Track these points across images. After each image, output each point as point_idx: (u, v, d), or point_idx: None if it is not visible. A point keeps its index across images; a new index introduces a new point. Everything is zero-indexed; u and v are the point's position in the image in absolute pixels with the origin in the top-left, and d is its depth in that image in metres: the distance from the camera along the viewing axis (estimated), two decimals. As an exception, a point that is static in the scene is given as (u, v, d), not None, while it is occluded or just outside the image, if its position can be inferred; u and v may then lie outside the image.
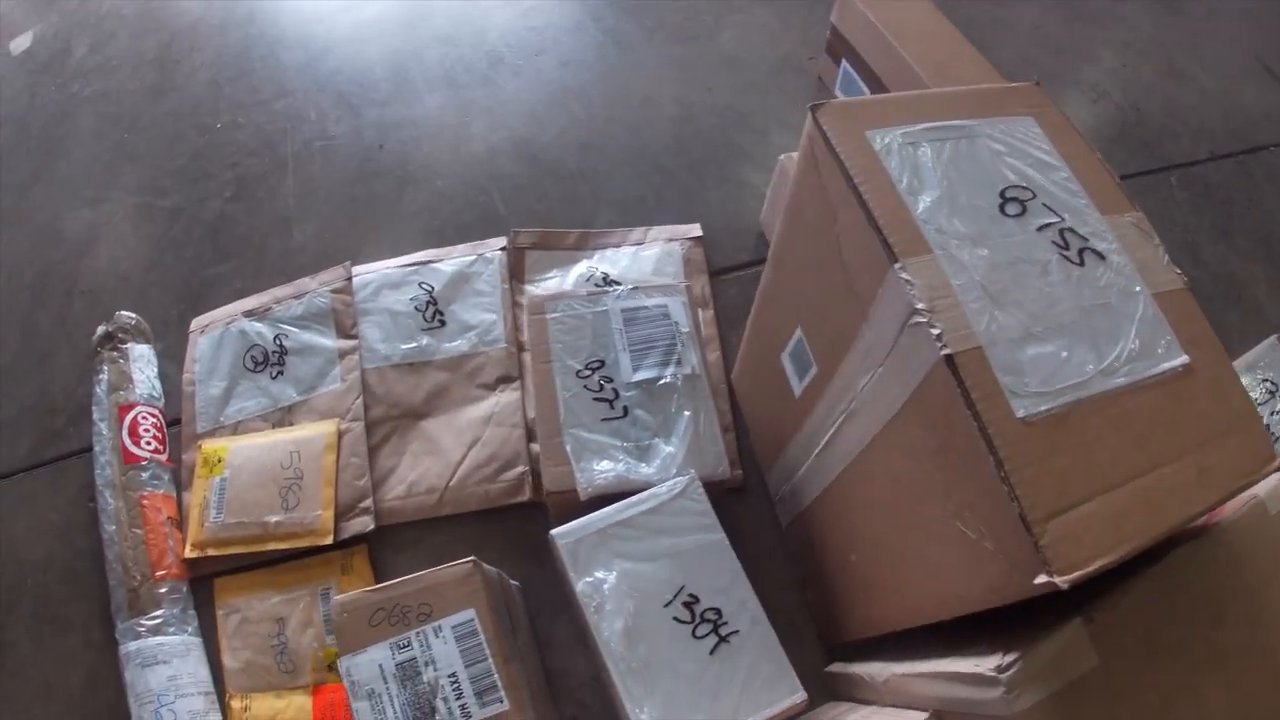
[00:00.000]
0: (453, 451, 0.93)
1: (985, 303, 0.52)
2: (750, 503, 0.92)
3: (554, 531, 0.71)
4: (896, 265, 0.53)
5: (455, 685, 0.69)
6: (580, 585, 0.69)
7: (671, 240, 1.05)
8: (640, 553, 0.70)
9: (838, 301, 0.63)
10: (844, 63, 1.14)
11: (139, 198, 1.22)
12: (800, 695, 0.67)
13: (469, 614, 0.71)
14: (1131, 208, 0.60)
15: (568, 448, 0.77)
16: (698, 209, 1.10)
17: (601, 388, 0.79)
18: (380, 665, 0.70)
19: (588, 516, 0.72)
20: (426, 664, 0.70)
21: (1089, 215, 0.58)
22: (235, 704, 0.91)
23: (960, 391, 0.49)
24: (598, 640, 0.68)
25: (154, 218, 1.20)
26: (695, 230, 1.07)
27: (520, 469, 0.91)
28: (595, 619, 0.69)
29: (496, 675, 0.69)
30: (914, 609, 0.65)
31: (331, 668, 0.89)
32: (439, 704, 0.69)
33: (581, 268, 1.04)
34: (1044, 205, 0.58)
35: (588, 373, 0.80)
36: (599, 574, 0.70)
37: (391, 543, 0.93)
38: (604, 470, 0.76)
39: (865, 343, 0.60)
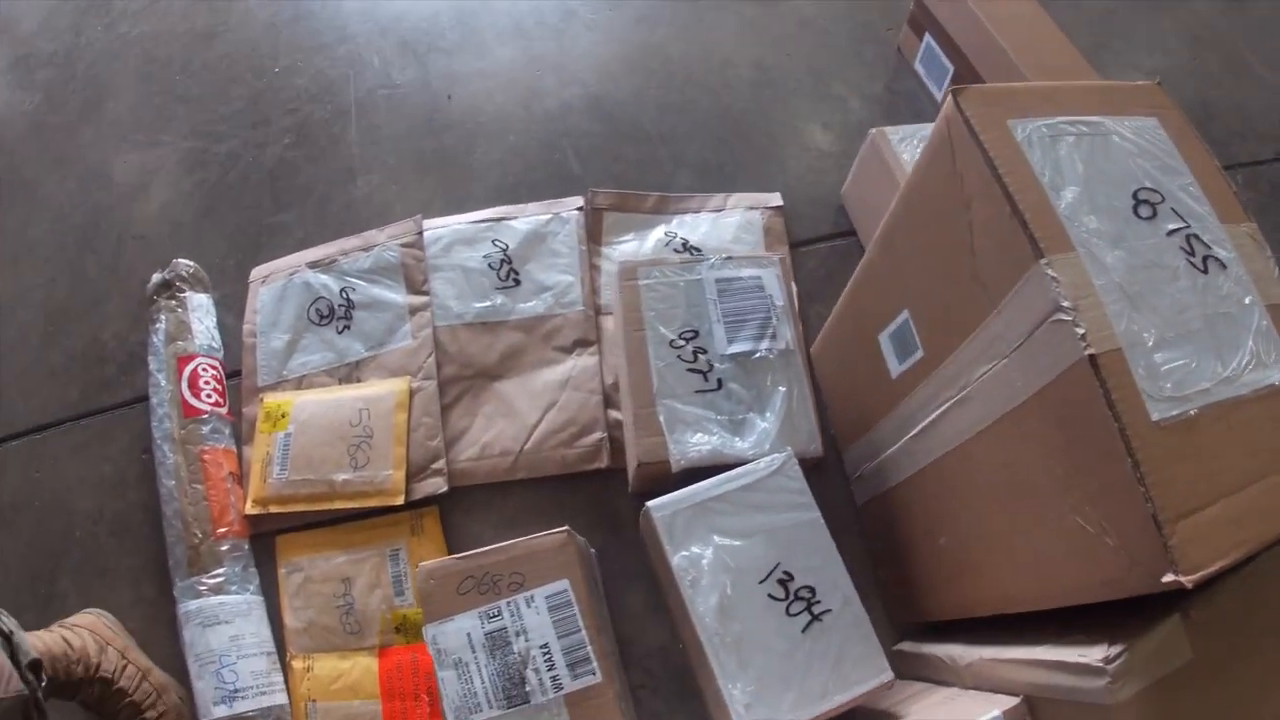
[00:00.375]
0: (528, 415, 0.95)
1: (1124, 305, 0.55)
2: (824, 478, 0.95)
3: (650, 504, 0.74)
4: (1042, 261, 0.55)
5: (547, 656, 0.72)
6: (676, 559, 0.72)
7: (752, 208, 1.06)
8: (736, 529, 0.73)
9: (959, 289, 0.65)
10: (927, 36, 1.15)
11: (192, 142, 1.22)
12: (888, 676, 0.71)
13: (563, 584, 0.73)
14: (1246, 218, 0.63)
15: (661, 418, 0.79)
16: (776, 177, 1.11)
17: (695, 358, 0.82)
18: (468, 634, 0.73)
19: (683, 490, 0.74)
20: (517, 634, 0.73)
21: (1210, 223, 0.61)
22: (297, 664, 0.93)
23: (1102, 392, 0.52)
24: (692, 615, 0.71)
25: (208, 163, 1.20)
26: (776, 199, 1.08)
27: (598, 435, 0.94)
28: (690, 594, 0.71)
29: (590, 647, 0.72)
30: (1009, 597, 0.68)
31: (399, 630, 0.92)
32: (529, 674, 0.72)
33: (659, 232, 1.05)
34: (1172, 209, 0.61)
35: (681, 343, 0.82)
36: (695, 549, 0.72)
37: (462, 504, 0.95)
38: (698, 443, 0.78)
39: (990, 333, 0.62)
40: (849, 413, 0.90)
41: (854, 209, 1.06)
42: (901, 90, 1.19)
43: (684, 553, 0.72)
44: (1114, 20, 1.36)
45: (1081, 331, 0.53)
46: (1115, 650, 0.53)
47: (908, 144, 0.95)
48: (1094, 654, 0.54)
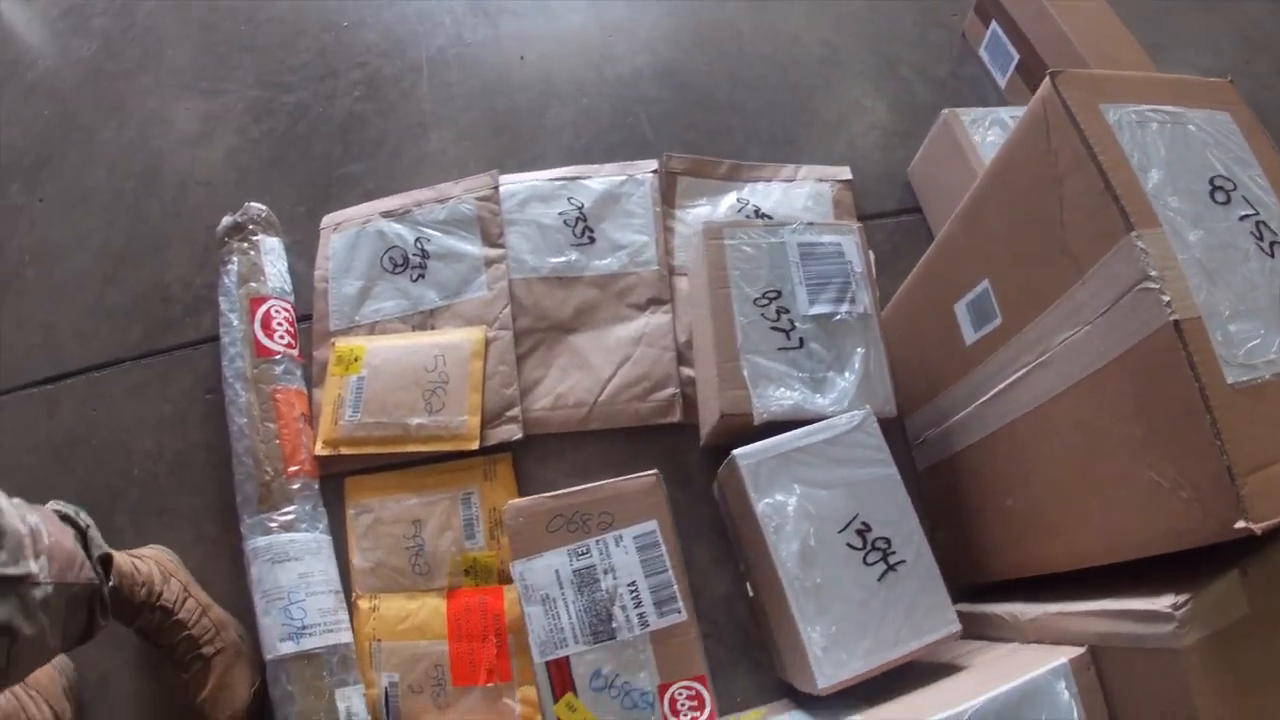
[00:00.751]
0: (603, 368, 1.02)
1: (1203, 279, 0.63)
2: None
3: (736, 452, 0.81)
4: (1133, 234, 0.63)
5: (634, 594, 0.79)
6: (761, 506, 0.79)
7: (822, 181, 1.14)
8: (817, 479, 0.80)
9: (1044, 260, 0.73)
10: (993, 24, 1.23)
11: (258, 92, 1.28)
12: (956, 626, 0.78)
13: (651, 525, 0.81)
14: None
15: (745, 372, 0.86)
16: (844, 153, 1.19)
17: (778, 317, 0.89)
18: (557, 571, 0.81)
19: (768, 440, 0.81)
20: (605, 572, 0.80)
21: (1276, 212, 0.69)
22: (363, 604, 0.99)
23: (1184, 354, 0.60)
24: (774, 560, 0.78)
25: (275, 113, 1.26)
26: (845, 173, 1.16)
27: (671, 390, 1.01)
28: (774, 539, 0.78)
29: (676, 586, 0.79)
30: (1078, 553, 0.76)
31: (469, 572, 0.98)
32: (616, 611, 0.79)
33: (731, 199, 1.13)
34: (1243, 198, 0.69)
35: (765, 301, 0.90)
36: (779, 496, 0.80)
37: (534, 453, 1.02)
38: (780, 398, 0.86)
39: (1074, 301, 0.70)
40: (915, 380, 0.98)
41: (921, 186, 1.14)
42: (965, 75, 1.27)
43: (768, 500, 0.79)
44: (1169, 19, 1.44)
45: (1167, 299, 0.61)
46: (1183, 599, 0.60)
47: (979, 126, 1.03)
48: (1161, 602, 0.61)
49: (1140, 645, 0.64)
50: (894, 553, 0.79)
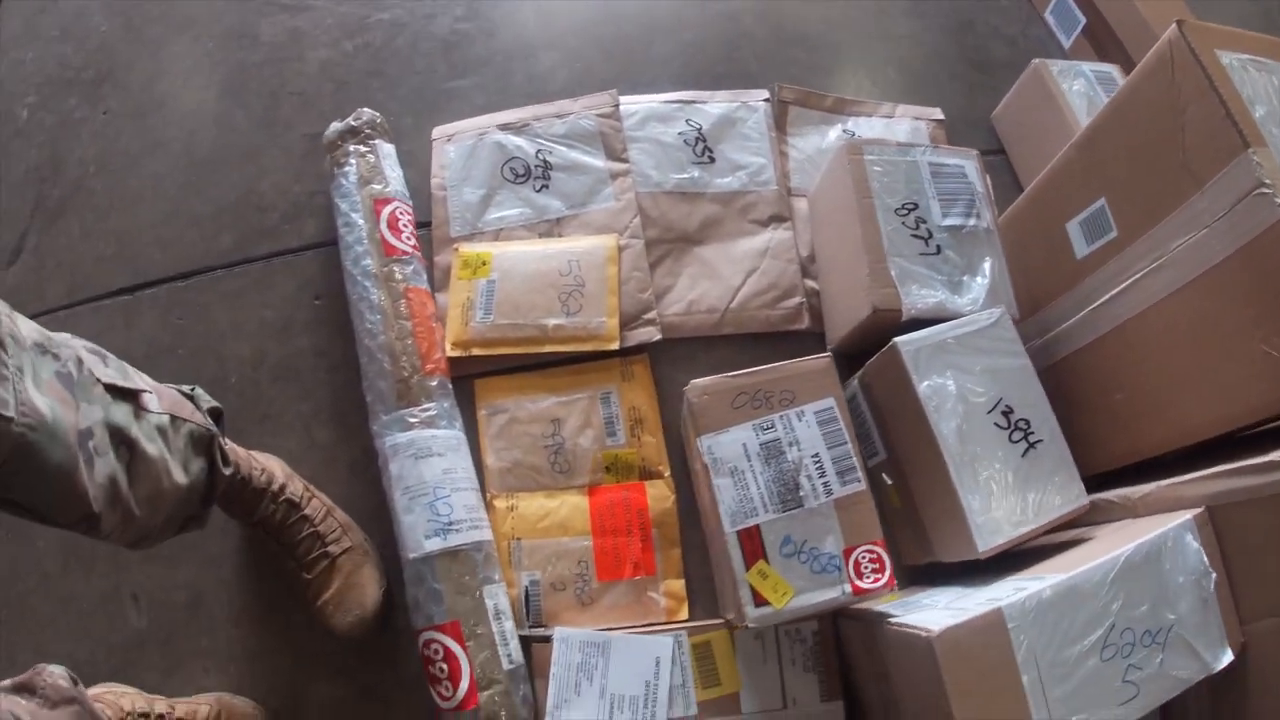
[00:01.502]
0: (731, 277, 1.18)
1: (1303, 186, 0.88)
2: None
3: (897, 339, 0.98)
4: (1249, 150, 0.87)
5: (818, 464, 0.94)
6: (922, 387, 0.97)
7: (918, 119, 1.34)
8: (965, 366, 0.98)
9: (1164, 177, 0.93)
10: (1059, -11, 1.49)
11: (348, 8, 1.38)
12: (1086, 500, 0.96)
13: (829, 401, 0.98)
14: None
15: (893, 273, 1.06)
16: (932, 98, 1.39)
17: (917, 226, 1.07)
18: (744, 445, 0.96)
19: (921, 330, 0.99)
20: (790, 444, 0.95)
21: None
22: (499, 504, 1.10)
23: (1293, 244, 0.84)
24: (936, 436, 0.95)
25: (370, 28, 1.36)
26: (937, 114, 1.36)
27: (798, 299, 1.18)
28: (935, 417, 0.96)
29: (855, 458, 0.95)
30: (1190, 429, 0.96)
31: (610, 469, 1.11)
32: (803, 480, 0.94)
33: (837, 130, 1.31)
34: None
35: (904, 211, 1.08)
36: (937, 379, 0.97)
37: (668, 356, 1.17)
38: (925, 296, 1.04)
39: (1192, 211, 0.92)
40: (1020, 296, 1.19)
41: (1006, 130, 1.36)
42: (1033, 36, 1.49)
43: (928, 382, 0.97)
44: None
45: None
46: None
47: (1065, 76, 1.27)
48: (1276, 455, 0.81)
49: (1256, 496, 0.83)
50: (1033, 433, 0.97)
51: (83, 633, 1.11)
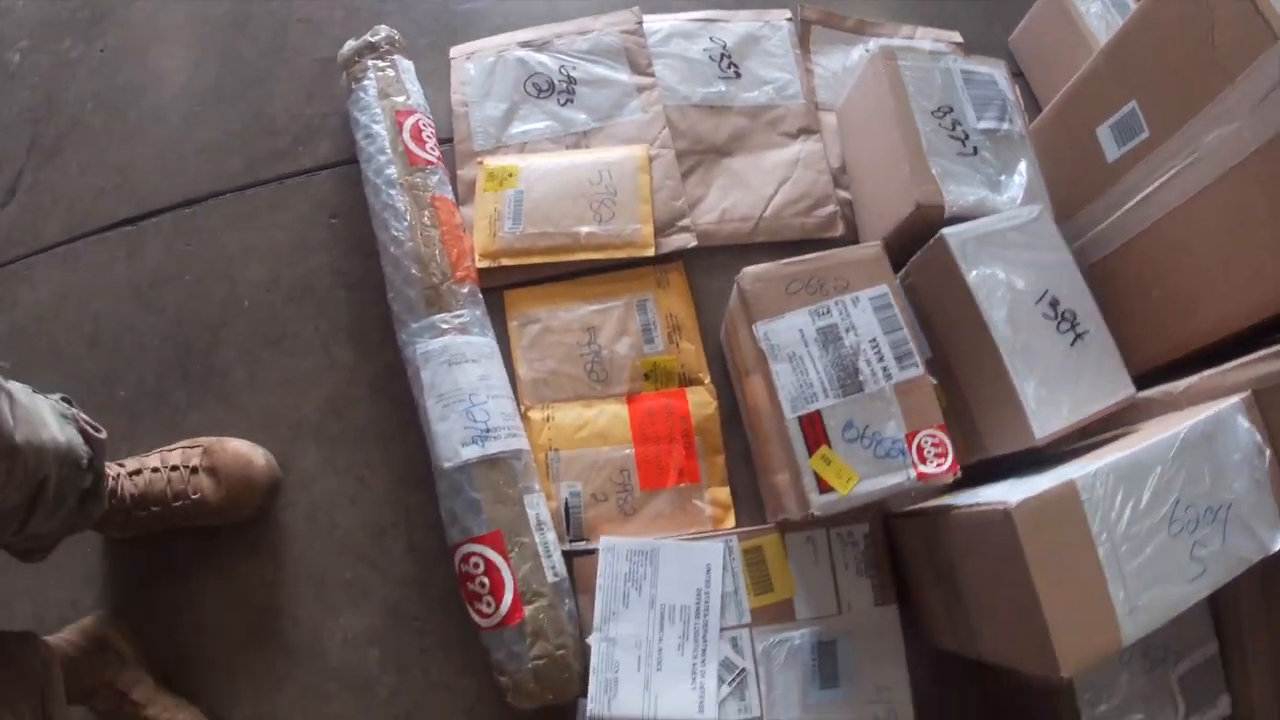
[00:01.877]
0: (763, 187, 1.18)
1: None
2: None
3: (945, 230, 0.99)
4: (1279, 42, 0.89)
5: (876, 349, 0.94)
6: (971, 276, 0.97)
7: (937, 41, 1.35)
8: (1010, 259, 0.98)
9: (1195, 74, 0.95)
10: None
11: None
12: (1132, 390, 0.97)
13: (883, 288, 0.97)
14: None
15: (934, 170, 1.06)
16: (950, 22, 1.40)
17: (954, 128, 1.08)
18: (801, 330, 0.95)
19: (966, 223, 1.00)
20: (847, 330, 0.94)
21: None
22: (534, 415, 1.08)
23: (1325, 126, 0.85)
24: (988, 323, 0.95)
25: None
26: (956, 36, 1.37)
27: (831, 208, 1.18)
28: (985, 305, 0.96)
29: (911, 343, 0.94)
30: (1225, 319, 0.97)
31: (649, 377, 1.09)
32: (862, 365, 0.93)
33: (859, 50, 1.31)
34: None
35: (940, 114, 1.08)
36: (985, 269, 0.97)
37: (702, 264, 1.16)
38: (966, 193, 1.05)
39: (1224, 105, 0.92)
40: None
41: (1024, 53, 1.38)
42: None
43: (976, 271, 0.97)
44: None
45: (1308, 87, 0.86)
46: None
47: (1080, -1, 1.31)
48: None
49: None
50: (1079, 324, 0.98)
51: None
